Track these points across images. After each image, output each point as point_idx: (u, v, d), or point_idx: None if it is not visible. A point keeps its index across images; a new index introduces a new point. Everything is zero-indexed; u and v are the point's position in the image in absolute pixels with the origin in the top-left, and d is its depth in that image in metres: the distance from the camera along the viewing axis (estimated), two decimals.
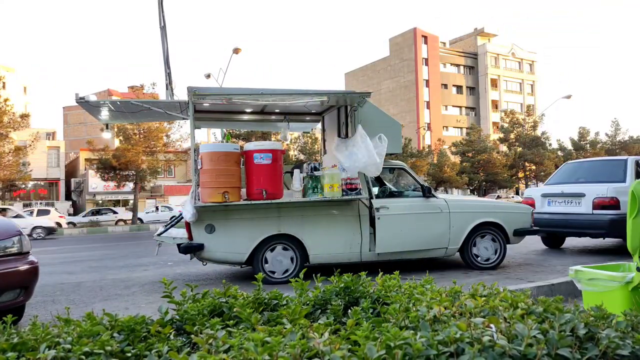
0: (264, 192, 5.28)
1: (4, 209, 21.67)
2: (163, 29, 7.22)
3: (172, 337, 1.44)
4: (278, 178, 5.47)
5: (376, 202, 5.98)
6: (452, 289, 1.78)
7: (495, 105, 67.17)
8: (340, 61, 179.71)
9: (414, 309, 1.45)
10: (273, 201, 5.42)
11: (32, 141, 29.00)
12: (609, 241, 8.91)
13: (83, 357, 1.20)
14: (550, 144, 45.00)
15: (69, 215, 35.25)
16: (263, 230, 5.67)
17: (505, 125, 45.44)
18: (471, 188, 44.65)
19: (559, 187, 7.98)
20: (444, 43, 70.31)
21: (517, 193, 44.63)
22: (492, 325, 1.22)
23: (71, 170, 48.12)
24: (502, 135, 45.94)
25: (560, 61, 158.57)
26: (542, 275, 5.71)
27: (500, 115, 50.62)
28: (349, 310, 1.57)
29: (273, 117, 7.27)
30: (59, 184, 44.76)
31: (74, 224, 29.91)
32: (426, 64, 63.90)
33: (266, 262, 5.70)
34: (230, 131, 25.10)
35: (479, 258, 6.34)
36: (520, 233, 6.50)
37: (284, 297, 1.82)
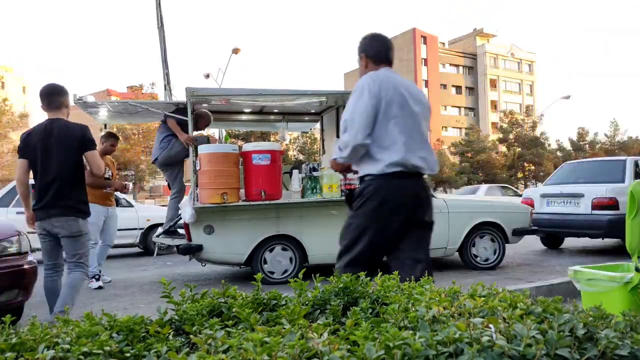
0: (262, 193, 5.28)
1: None
2: (161, 29, 7.21)
3: (171, 337, 1.44)
4: (277, 179, 5.47)
5: None
6: (451, 289, 1.79)
7: (494, 105, 67.23)
8: (340, 61, 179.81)
9: (413, 309, 1.45)
10: (272, 202, 5.42)
11: None
12: (607, 241, 8.92)
13: (82, 357, 1.20)
14: (549, 145, 45.08)
15: None
16: (262, 230, 5.67)
17: (505, 125, 45.49)
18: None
19: (558, 187, 7.99)
20: (443, 43, 70.38)
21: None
22: (491, 325, 1.22)
23: None
24: (501, 136, 46.00)
25: (560, 61, 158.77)
26: (541, 276, 5.72)
27: (500, 115, 50.70)
28: (348, 311, 1.57)
29: (272, 117, 7.27)
30: None
31: None
32: (425, 64, 63.95)
33: (265, 262, 5.70)
34: (229, 131, 25.10)
35: (478, 258, 6.35)
36: (519, 233, 6.51)
37: (283, 298, 1.82)
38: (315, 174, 5.73)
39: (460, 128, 64.41)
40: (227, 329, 1.39)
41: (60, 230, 3.57)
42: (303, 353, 1.08)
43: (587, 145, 45.62)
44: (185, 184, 6.25)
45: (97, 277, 5.80)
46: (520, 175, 44.59)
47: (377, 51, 2.90)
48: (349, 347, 1.12)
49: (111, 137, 6.23)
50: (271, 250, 5.73)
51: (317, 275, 2.24)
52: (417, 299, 1.60)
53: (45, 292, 3.77)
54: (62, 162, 3.53)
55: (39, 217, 3.58)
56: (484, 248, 6.36)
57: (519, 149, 43.39)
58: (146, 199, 41.06)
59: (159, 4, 7.27)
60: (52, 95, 3.66)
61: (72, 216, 3.58)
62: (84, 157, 3.63)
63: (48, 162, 3.53)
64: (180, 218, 5.83)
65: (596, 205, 7.18)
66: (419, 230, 2.82)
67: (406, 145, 2.61)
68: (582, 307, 1.54)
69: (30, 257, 4.07)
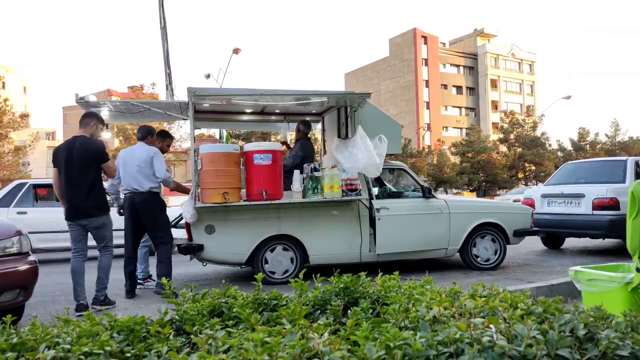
0: (263, 193, 5.28)
1: None
2: (163, 29, 7.21)
3: (171, 337, 1.44)
4: (278, 179, 5.46)
5: (376, 203, 5.98)
6: (452, 289, 1.79)
7: (495, 105, 67.15)
8: (340, 61, 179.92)
9: (414, 309, 1.45)
10: (273, 202, 5.42)
11: (32, 141, 29.01)
12: (608, 242, 8.91)
13: (82, 357, 1.20)
14: (550, 145, 45.00)
15: None
16: (263, 230, 5.67)
17: (505, 125, 45.45)
18: (471, 189, 44.63)
19: (559, 187, 7.98)
20: (444, 43, 70.31)
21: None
22: (491, 325, 1.22)
23: None
24: (501, 136, 45.96)
25: (560, 61, 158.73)
26: (541, 276, 5.71)
27: (500, 115, 50.65)
28: (349, 311, 1.57)
29: (273, 117, 7.27)
30: None
31: None
32: (426, 65, 63.89)
33: (266, 262, 5.70)
34: (230, 131, 25.11)
35: (478, 258, 6.34)
36: (520, 233, 6.50)
37: (284, 298, 1.82)
38: (316, 174, 5.73)
39: (460, 128, 64.33)
40: (228, 329, 1.39)
41: (87, 224, 4.56)
42: (304, 353, 1.08)
43: (587, 146, 45.52)
44: (186, 183, 6.24)
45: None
46: (520, 175, 44.54)
47: (139, 135, 5.35)
48: (349, 347, 1.12)
49: (168, 137, 6.05)
50: (272, 250, 5.73)
51: (318, 275, 2.24)
52: (417, 299, 1.61)
53: (72, 272, 4.50)
54: (82, 172, 4.47)
55: (69, 216, 4.53)
56: (484, 248, 6.35)
57: (520, 149, 43.32)
58: None
59: (162, 4, 7.27)
60: (84, 117, 4.78)
61: (95, 216, 4.55)
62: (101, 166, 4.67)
63: (71, 172, 4.47)
64: (182, 218, 5.83)
65: (597, 206, 7.17)
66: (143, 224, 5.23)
67: (125, 179, 5.13)
68: (583, 307, 1.54)
69: (31, 257, 4.07)
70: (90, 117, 4.76)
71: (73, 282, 4.48)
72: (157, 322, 1.49)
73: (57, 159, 4.57)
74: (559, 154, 45.14)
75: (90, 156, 4.52)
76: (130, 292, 5.27)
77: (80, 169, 4.47)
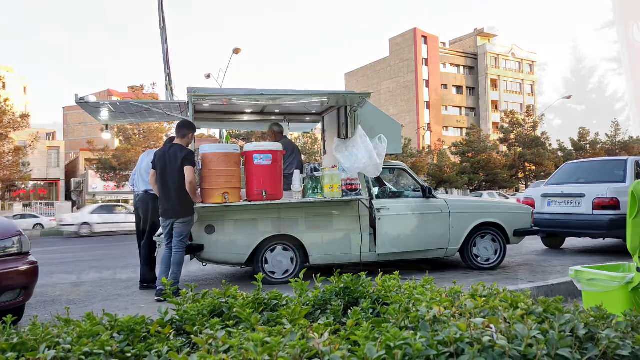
0: (264, 193, 5.28)
1: None
2: (163, 29, 7.21)
3: (172, 337, 1.44)
4: (278, 179, 5.46)
5: (377, 203, 5.97)
6: (452, 289, 1.79)
7: (495, 105, 67.11)
8: (340, 61, 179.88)
9: (414, 309, 1.45)
10: (273, 202, 5.42)
11: (32, 141, 29.03)
12: (609, 241, 8.91)
13: (83, 357, 1.20)
14: (550, 144, 44.98)
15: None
16: (263, 230, 5.67)
17: (505, 125, 45.42)
18: (471, 188, 44.62)
19: (559, 187, 7.97)
20: (444, 43, 70.27)
21: (517, 191, 44.52)
22: (492, 325, 1.22)
23: (71, 171, 48.10)
24: (502, 136, 45.93)
25: (560, 61, 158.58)
26: (542, 276, 5.71)
27: (500, 115, 50.62)
28: (349, 311, 1.57)
29: (273, 117, 7.27)
30: (59, 184, 44.75)
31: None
32: (426, 64, 63.86)
33: (266, 262, 5.70)
34: (230, 131, 25.10)
35: (479, 258, 6.34)
36: (521, 233, 6.50)
37: (284, 298, 1.82)
38: (316, 174, 5.73)
39: (461, 128, 64.30)
40: (228, 329, 1.39)
41: (175, 220, 5.03)
42: (304, 353, 1.08)
43: (588, 145, 45.49)
44: None
45: None
46: (521, 175, 44.52)
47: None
48: (349, 347, 1.12)
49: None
50: (272, 250, 5.73)
51: (318, 275, 2.24)
52: (418, 299, 1.61)
53: (163, 261, 5.08)
54: (174, 176, 4.94)
55: (163, 214, 5.06)
56: (485, 248, 6.35)
57: (520, 149, 43.31)
58: None
59: (162, 4, 7.26)
60: (181, 128, 5.17)
61: (183, 216, 5.02)
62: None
63: (165, 176, 5.00)
64: None
65: (597, 206, 7.17)
66: None
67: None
68: (583, 307, 1.54)
69: (31, 257, 4.06)
70: (188, 128, 5.18)
71: (162, 270, 5.05)
72: (157, 322, 1.49)
73: (154, 162, 5.15)
74: (559, 153, 45.11)
75: (178, 161, 4.94)
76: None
77: (173, 173, 4.95)
